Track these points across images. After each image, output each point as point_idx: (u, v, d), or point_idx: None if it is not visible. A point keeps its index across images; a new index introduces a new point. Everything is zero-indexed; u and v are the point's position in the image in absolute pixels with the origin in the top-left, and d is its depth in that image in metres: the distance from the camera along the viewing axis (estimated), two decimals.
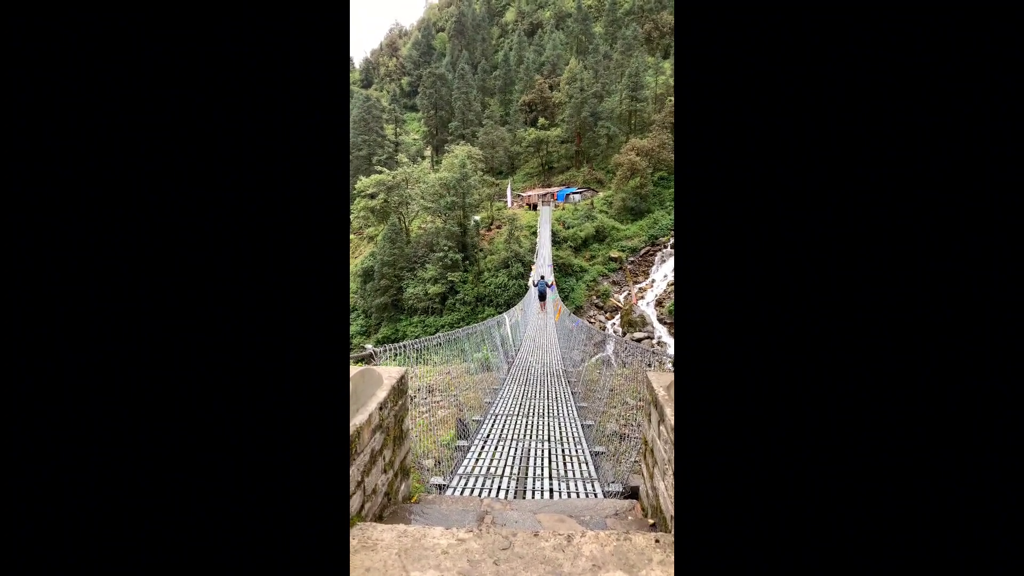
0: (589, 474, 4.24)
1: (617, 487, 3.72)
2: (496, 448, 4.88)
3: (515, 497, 3.73)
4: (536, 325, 15.54)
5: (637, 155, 34.45)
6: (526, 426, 5.70)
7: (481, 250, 31.47)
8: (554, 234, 32.66)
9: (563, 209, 36.72)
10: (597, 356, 8.17)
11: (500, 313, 14.09)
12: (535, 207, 39.01)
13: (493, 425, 5.69)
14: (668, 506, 1.98)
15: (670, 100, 38.84)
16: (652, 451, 2.34)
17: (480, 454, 4.68)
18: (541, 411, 6.41)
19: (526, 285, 25.82)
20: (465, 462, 4.45)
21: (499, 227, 35.09)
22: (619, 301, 28.07)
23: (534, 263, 27.70)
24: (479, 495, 3.70)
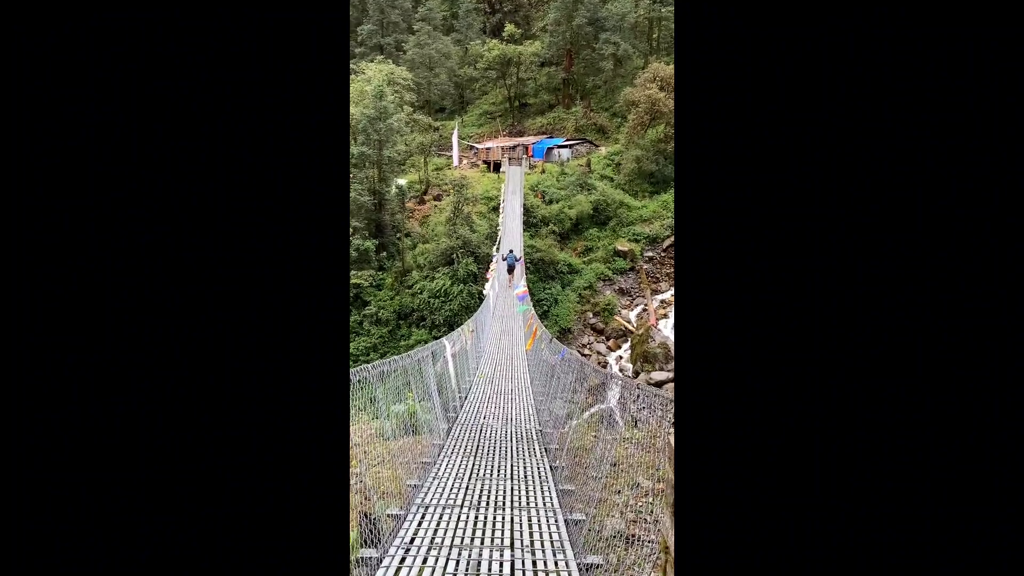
0: None
1: None
2: (426, 561, 4.83)
3: None
4: (495, 355, 15.60)
5: (661, 89, 35.12)
6: (476, 524, 5.70)
7: (408, 235, 31.39)
8: (528, 212, 32.94)
9: (542, 172, 37.18)
10: (593, 409, 8.26)
11: (437, 338, 14.07)
12: (498, 167, 39.33)
13: (422, 523, 5.66)
14: None
15: None
16: None
17: (399, 573, 4.63)
18: (500, 499, 6.42)
19: (480, 293, 25.95)
20: None
21: (438, 198, 35.16)
22: (629, 321, 28.59)
23: (494, 257, 27.85)
24: None
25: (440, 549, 5.09)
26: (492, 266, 25.73)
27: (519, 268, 26.42)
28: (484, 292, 23.79)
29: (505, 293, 23.66)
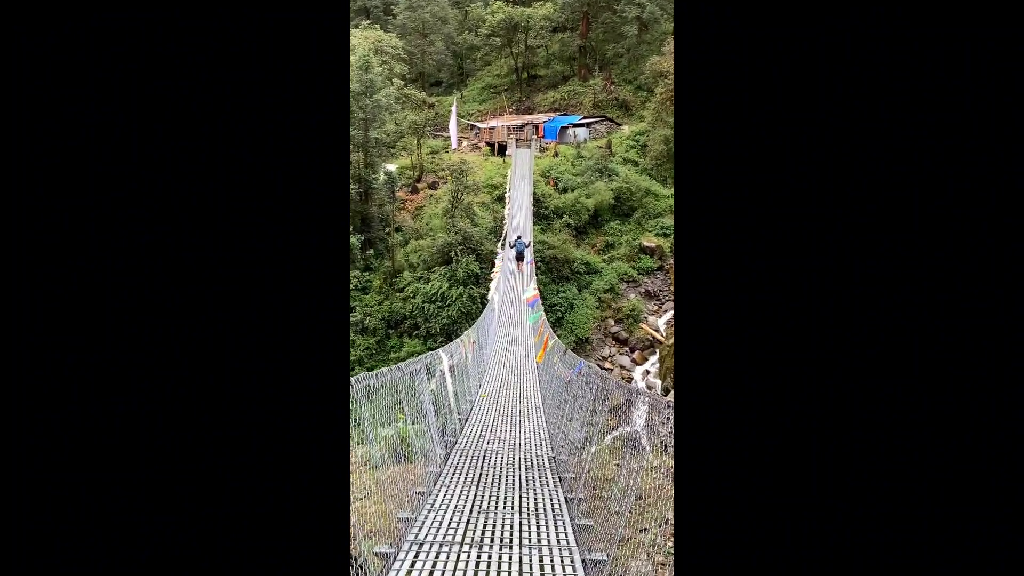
0: None
1: None
2: None
3: None
4: (501, 369, 15.66)
5: None
6: (478, 564, 5.67)
7: (399, 230, 31.52)
8: (538, 202, 33.00)
9: (555, 155, 37.29)
10: (615, 432, 8.35)
11: (433, 349, 14.19)
12: (503, 150, 39.47)
13: (415, 563, 5.61)
14: None
15: None
16: None
17: None
18: (507, 536, 6.43)
19: (483, 297, 26.02)
20: None
21: (434, 186, 35.32)
22: (657, 329, 28.65)
23: (498, 254, 27.90)
24: None
25: None
26: (497, 264, 25.71)
27: (528, 256, 26.94)
28: (488, 296, 23.77)
29: (513, 285, 23.87)
